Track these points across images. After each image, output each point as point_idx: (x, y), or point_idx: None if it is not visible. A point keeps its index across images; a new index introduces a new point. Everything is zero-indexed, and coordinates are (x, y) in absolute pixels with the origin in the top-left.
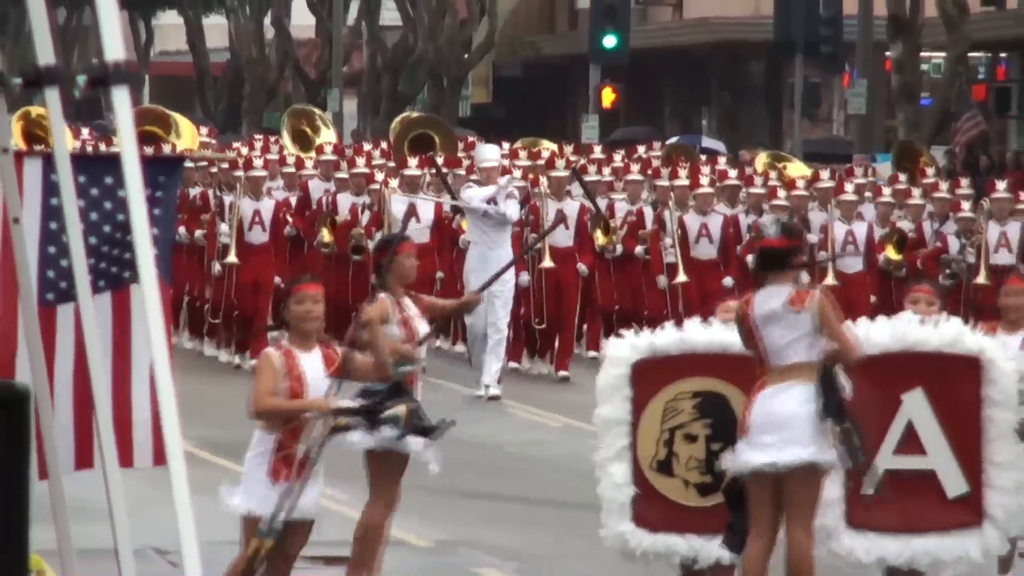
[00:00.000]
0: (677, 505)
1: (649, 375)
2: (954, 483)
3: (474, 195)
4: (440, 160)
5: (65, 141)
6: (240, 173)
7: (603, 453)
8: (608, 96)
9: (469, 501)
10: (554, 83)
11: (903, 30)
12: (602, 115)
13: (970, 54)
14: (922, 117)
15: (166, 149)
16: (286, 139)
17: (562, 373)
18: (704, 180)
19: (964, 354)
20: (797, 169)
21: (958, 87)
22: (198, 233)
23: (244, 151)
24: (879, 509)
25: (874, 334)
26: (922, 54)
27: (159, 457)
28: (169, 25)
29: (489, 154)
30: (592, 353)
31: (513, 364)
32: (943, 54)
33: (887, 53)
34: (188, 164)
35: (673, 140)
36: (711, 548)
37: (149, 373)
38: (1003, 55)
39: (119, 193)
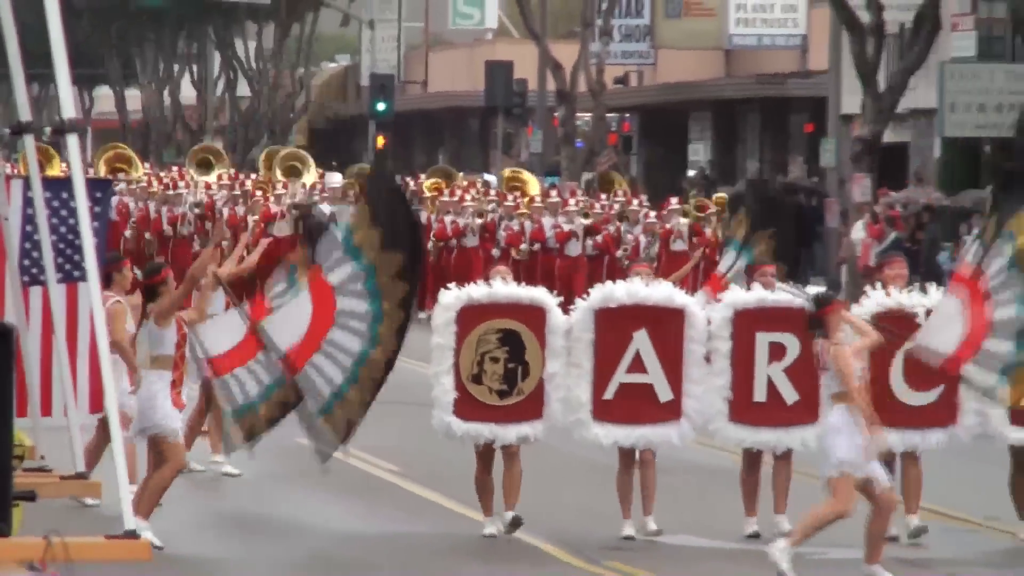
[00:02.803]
0: (483, 404)
1: (468, 316)
2: (664, 392)
3: (324, 209)
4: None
5: (38, 170)
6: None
7: (436, 368)
8: (380, 141)
9: None
10: (347, 133)
11: (565, 99)
12: (376, 154)
13: (607, 114)
14: (577, 155)
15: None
16: (189, 165)
17: None
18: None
19: (674, 307)
20: (533, 188)
21: (599, 135)
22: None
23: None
24: (615, 408)
25: (616, 293)
26: (577, 114)
27: (94, 408)
28: (104, 95)
29: (334, 180)
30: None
31: None
32: (590, 114)
33: (555, 113)
34: (124, 186)
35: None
36: (504, 433)
37: (89, 351)
38: (627, 115)
39: (71, 204)
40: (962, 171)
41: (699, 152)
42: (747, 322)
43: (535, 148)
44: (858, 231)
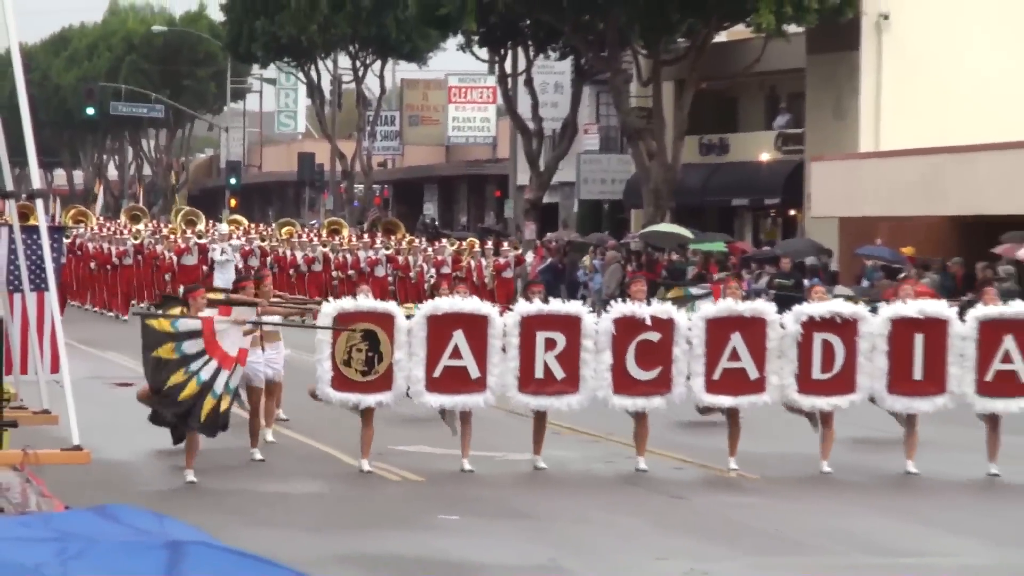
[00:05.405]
0: (351, 380)
1: (340, 320)
2: (474, 371)
3: (218, 248)
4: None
5: (17, 221)
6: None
7: (319, 356)
8: (233, 203)
9: None
10: (212, 198)
11: (347, 176)
12: (232, 210)
13: (374, 185)
14: (354, 211)
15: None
16: (124, 218)
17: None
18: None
19: (481, 314)
20: (344, 230)
21: (369, 199)
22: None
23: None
24: (441, 383)
25: (442, 305)
26: (355, 185)
27: (53, 369)
28: (59, 174)
29: (223, 228)
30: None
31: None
32: (363, 185)
33: (341, 185)
34: (82, 229)
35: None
36: (365, 399)
37: (50, 333)
38: (386, 186)
39: (39, 242)
40: (590, 220)
41: (430, 209)
42: (530, 324)
43: (329, 207)
44: (528, 258)
